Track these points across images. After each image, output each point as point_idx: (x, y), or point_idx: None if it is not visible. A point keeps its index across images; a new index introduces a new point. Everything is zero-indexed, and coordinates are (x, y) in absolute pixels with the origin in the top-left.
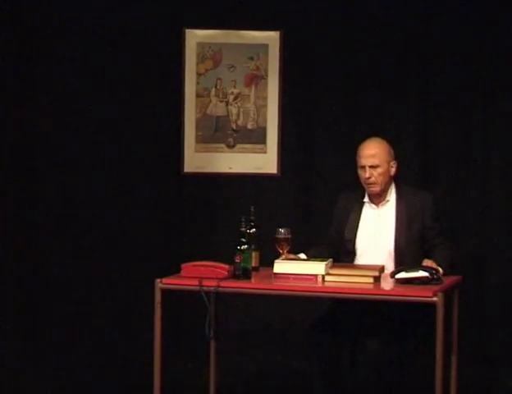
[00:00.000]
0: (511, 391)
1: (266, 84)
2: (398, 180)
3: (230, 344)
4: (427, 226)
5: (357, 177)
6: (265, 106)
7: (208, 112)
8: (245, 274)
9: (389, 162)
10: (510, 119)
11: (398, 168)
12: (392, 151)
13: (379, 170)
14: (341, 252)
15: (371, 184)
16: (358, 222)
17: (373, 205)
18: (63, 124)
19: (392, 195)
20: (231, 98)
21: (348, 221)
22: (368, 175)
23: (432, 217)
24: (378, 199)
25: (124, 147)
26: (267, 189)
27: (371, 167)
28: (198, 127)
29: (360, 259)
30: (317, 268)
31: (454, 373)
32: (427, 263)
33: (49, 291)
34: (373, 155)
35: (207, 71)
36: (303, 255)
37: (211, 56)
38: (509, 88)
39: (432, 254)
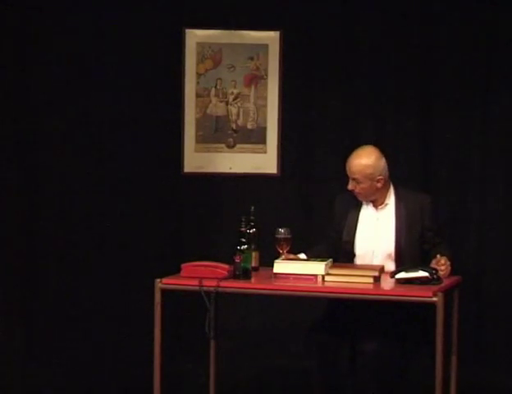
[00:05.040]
0: (511, 391)
1: (266, 84)
2: (397, 182)
3: (230, 344)
4: (427, 227)
5: None
6: (265, 106)
7: (208, 112)
8: (245, 274)
9: (373, 179)
10: (510, 120)
11: (385, 181)
12: (381, 163)
13: (362, 185)
14: (340, 253)
15: (356, 193)
16: (356, 224)
17: (372, 207)
18: (63, 124)
19: (391, 199)
20: (231, 98)
21: (346, 222)
22: (350, 187)
23: (430, 218)
24: (376, 202)
25: (124, 147)
26: (267, 189)
27: (353, 179)
28: (198, 127)
29: (359, 261)
30: (317, 268)
31: (454, 373)
32: (439, 259)
33: (49, 291)
34: (355, 172)
35: (207, 71)
36: (303, 255)
37: (211, 56)
38: (509, 88)
39: (433, 254)
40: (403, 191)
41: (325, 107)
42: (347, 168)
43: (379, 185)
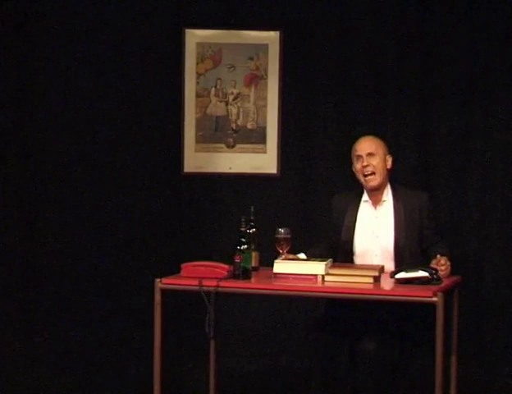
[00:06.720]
0: (511, 391)
1: (266, 84)
2: (394, 180)
3: (230, 344)
4: (425, 225)
5: (354, 178)
6: (265, 106)
7: (208, 112)
8: (245, 274)
9: (385, 154)
10: (510, 119)
11: (394, 164)
12: (387, 147)
13: (376, 159)
14: (340, 252)
15: (369, 174)
16: (354, 223)
17: (371, 206)
18: (63, 123)
19: (389, 196)
20: (231, 98)
21: (344, 221)
22: (365, 163)
23: (428, 216)
24: (375, 198)
25: (124, 147)
26: (267, 189)
27: (368, 155)
28: (198, 127)
29: (358, 260)
30: (317, 268)
31: (454, 373)
32: (439, 259)
33: (49, 291)
34: (369, 145)
35: (207, 71)
36: (303, 255)
37: (211, 56)
38: (509, 88)
39: (432, 252)
40: (400, 189)
41: (325, 108)
42: (358, 148)
43: (388, 164)
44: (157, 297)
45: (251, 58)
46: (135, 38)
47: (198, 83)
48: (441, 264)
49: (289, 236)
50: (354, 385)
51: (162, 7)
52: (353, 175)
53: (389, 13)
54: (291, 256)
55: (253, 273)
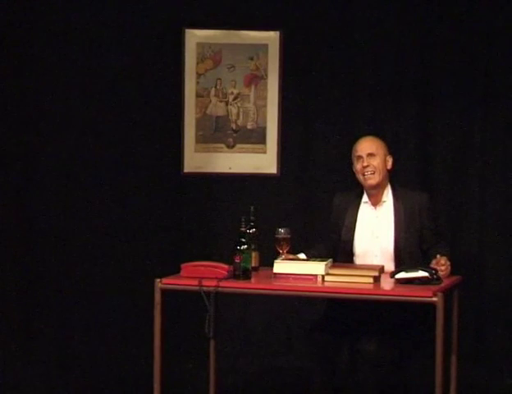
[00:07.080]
0: (511, 391)
1: (266, 84)
2: (394, 181)
3: (230, 344)
4: (425, 225)
5: (354, 178)
6: (265, 106)
7: (208, 112)
8: (245, 274)
9: (385, 155)
10: (510, 120)
11: (394, 165)
12: (387, 147)
13: (377, 159)
14: (340, 252)
15: (368, 173)
16: (355, 223)
17: (371, 206)
18: (63, 124)
19: (389, 196)
20: (231, 98)
21: (344, 222)
22: (365, 163)
23: (428, 216)
24: (375, 198)
25: (124, 147)
26: (267, 189)
27: (368, 155)
28: (198, 127)
29: (359, 260)
30: (317, 268)
31: (454, 373)
32: (439, 259)
33: (49, 291)
34: (370, 145)
35: (207, 70)
36: (302, 255)
37: (211, 56)
38: (509, 89)
39: (431, 253)
40: (401, 190)
41: (324, 108)
42: (359, 149)
43: (388, 165)
44: (157, 297)
45: (251, 58)
46: (135, 38)
47: (198, 83)
48: (441, 264)
49: (289, 236)
50: (354, 385)
51: (162, 7)
52: (353, 175)
53: (389, 13)
54: (291, 256)
55: (253, 273)
